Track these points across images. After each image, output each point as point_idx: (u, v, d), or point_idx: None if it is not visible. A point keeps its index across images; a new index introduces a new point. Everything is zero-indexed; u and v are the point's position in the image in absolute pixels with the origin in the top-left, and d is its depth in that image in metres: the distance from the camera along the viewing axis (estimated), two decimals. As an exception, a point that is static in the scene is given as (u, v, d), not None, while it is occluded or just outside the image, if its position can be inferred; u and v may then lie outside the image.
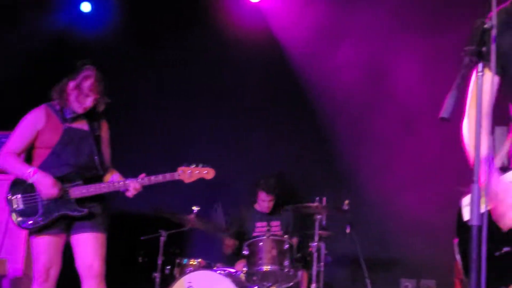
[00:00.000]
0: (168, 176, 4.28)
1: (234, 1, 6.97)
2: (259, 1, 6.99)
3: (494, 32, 2.08)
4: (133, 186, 4.20)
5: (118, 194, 4.33)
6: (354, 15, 6.50)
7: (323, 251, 5.56)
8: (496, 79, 2.17)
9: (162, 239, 5.53)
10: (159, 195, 6.23)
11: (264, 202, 6.31)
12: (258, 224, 6.33)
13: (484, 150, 2.07)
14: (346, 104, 6.57)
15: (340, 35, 6.61)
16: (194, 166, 4.36)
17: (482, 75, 2.04)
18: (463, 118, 2.50)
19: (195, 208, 5.47)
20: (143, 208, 6.05)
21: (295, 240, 6.17)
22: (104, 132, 4.49)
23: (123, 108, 6.70)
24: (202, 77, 7.11)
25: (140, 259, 5.95)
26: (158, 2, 7.10)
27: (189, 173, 4.32)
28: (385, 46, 6.46)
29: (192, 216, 5.44)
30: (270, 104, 7.01)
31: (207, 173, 4.38)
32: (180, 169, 4.32)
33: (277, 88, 6.99)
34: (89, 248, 4.18)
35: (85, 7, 7.29)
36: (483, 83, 2.02)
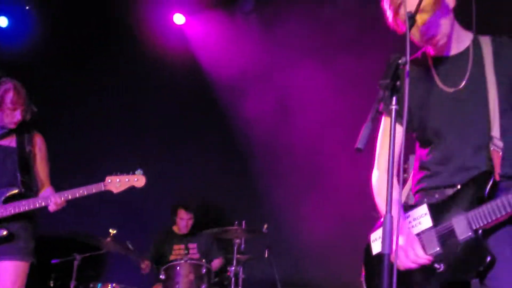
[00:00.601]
0: (94, 188, 4.05)
1: (159, 22, 6.93)
2: (183, 24, 6.99)
3: (407, 68, 2.15)
4: (54, 201, 4.03)
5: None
6: (272, 45, 6.60)
7: (241, 275, 5.55)
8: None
9: (76, 262, 5.36)
10: (76, 217, 6.07)
11: (183, 220, 6.27)
12: (176, 246, 6.28)
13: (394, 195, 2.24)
14: (266, 130, 6.63)
15: (259, 63, 6.68)
16: (123, 174, 4.14)
17: (396, 109, 2.10)
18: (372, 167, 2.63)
19: (112, 231, 5.34)
20: (59, 229, 5.87)
21: (218, 261, 6.17)
22: (38, 147, 4.30)
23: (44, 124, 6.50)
24: (124, 96, 7.01)
25: (51, 283, 5.75)
26: (80, 17, 6.93)
27: (117, 182, 4.10)
28: (300, 76, 6.58)
29: (108, 239, 5.31)
30: (190, 127, 7.00)
31: (138, 180, 4.16)
32: (108, 178, 4.11)
33: (196, 110, 7.00)
34: (6, 277, 4.00)
35: (2, 22, 7.06)
36: (394, 133, 2.09)
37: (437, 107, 2.52)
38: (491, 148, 2.38)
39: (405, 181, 5.60)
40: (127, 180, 4.12)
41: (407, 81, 2.19)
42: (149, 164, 6.72)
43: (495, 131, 2.39)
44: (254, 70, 6.69)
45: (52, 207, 4.06)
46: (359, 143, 2.00)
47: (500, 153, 2.37)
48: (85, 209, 5.66)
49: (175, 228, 6.41)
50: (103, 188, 4.08)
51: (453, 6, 2.50)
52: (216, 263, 6.26)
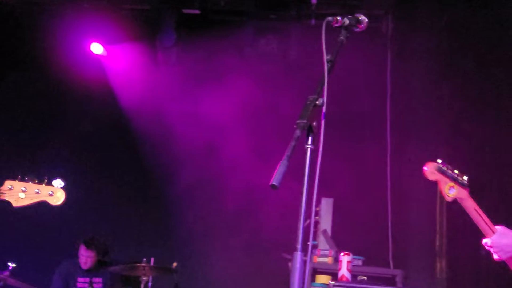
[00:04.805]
0: None
1: (76, 50, 6.76)
2: (102, 54, 6.86)
3: (324, 109, 2.17)
4: None
5: None
6: (192, 80, 6.62)
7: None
8: None
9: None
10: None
11: (82, 256, 6.02)
12: (80, 279, 6.04)
13: None
14: (180, 166, 6.57)
15: (179, 98, 6.65)
16: (33, 182, 3.00)
17: (311, 149, 2.11)
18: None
19: (11, 265, 5.06)
20: None
21: None
22: None
23: None
24: (34, 122, 6.80)
25: None
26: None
27: (22, 192, 2.97)
28: (220, 110, 6.61)
29: (6, 273, 5.02)
30: (101, 159, 6.87)
31: (53, 195, 3.05)
32: (9, 183, 2.98)
33: (109, 142, 6.88)
34: None
35: None
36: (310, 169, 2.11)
37: None
38: None
39: (316, 224, 5.69)
40: (37, 191, 2.98)
41: (323, 123, 2.21)
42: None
43: None
44: (173, 105, 6.66)
45: None
46: (274, 180, 2.00)
47: None
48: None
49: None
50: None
51: None
52: None
